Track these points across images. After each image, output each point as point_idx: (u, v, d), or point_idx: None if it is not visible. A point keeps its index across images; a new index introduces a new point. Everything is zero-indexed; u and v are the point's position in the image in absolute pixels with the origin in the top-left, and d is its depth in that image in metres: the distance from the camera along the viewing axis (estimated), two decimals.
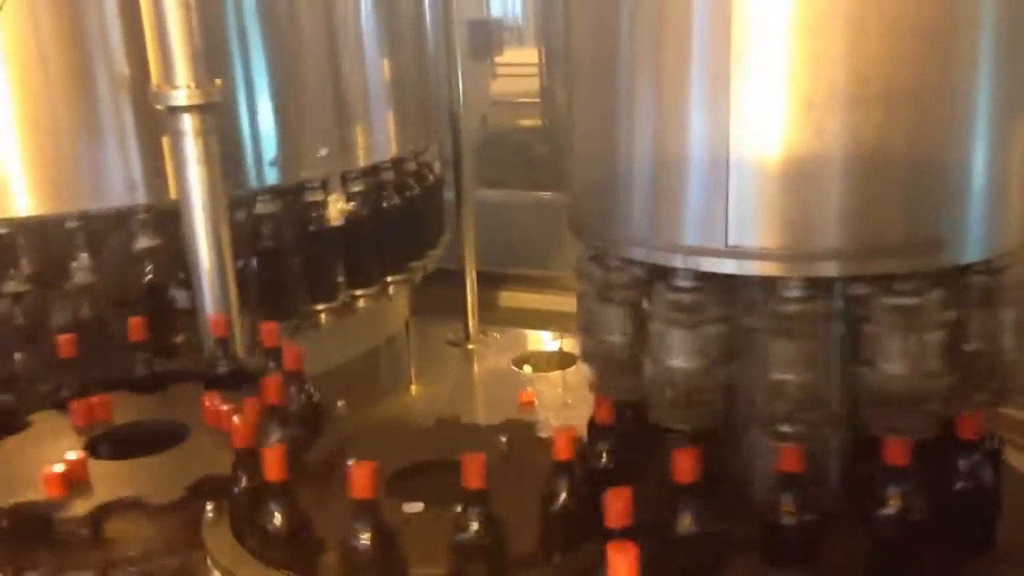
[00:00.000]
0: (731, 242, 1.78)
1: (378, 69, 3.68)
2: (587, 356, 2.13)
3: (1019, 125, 1.79)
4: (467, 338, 4.47)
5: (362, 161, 3.58)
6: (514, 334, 4.52)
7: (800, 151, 1.73)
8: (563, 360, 4.11)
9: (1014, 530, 2.02)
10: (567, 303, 4.53)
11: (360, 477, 1.81)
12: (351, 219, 3.51)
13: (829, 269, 1.76)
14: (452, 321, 4.55)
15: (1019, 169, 1.82)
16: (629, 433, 2.18)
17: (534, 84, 8.63)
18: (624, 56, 1.92)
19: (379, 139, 3.70)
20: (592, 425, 2.22)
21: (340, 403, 2.47)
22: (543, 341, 4.41)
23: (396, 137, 3.78)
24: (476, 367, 4.31)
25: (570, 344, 4.16)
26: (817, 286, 1.80)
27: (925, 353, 1.79)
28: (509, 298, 5.07)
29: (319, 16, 3.44)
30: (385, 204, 3.66)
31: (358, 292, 3.60)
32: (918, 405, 1.80)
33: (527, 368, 4.16)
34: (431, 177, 4.09)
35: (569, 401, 3.71)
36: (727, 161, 1.76)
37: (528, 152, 7.79)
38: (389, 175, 3.73)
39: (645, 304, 1.94)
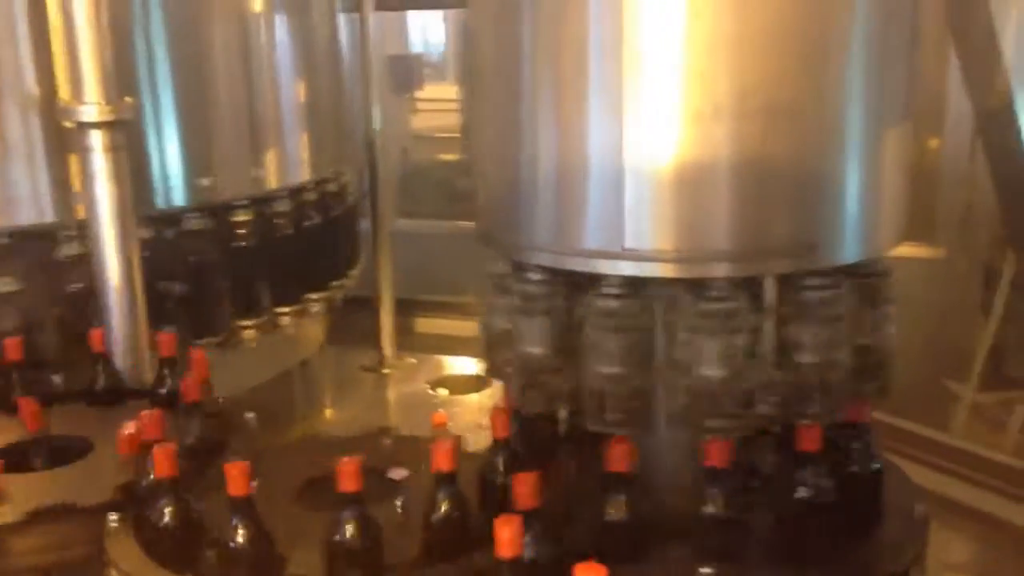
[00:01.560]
0: (628, 245, 1.87)
1: (292, 95, 3.73)
2: (499, 371, 2.17)
3: (888, 137, 1.93)
4: (382, 363, 4.49)
5: (274, 184, 3.60)
6: (430, 359, 4.56)
7: (690, 160, 1.83)
8: (479, 383, 4.15)
9: (894, 523, 2.14)
10: None
11: (236, 476, 1.84)
12: (272, 239, 3.54)
13: (719, 270, 1.86)
14: (368, 348, 4.57)
15: (888, 177, 1.95)
16: (531, 444, 2.23)
17: (455, 119, 8.76)
18: (525, 70, 2.00)
19: (292, 163, 3.73)
20: (493, 442, 2.26)
21: (249, 415, 2.48)
22: (459, 366, 4.44)
23: (310, 162, 3.82)
24: (391, 392, 4.33)
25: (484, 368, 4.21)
26: (740, 287, 1.89)
27: (830, 343, 1.91)
28: (426, 324, 5.11)
29: (232, 40, 3.48)
30: (306, 224, 3.70)
31: (281, 310, 3.62)
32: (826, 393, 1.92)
33: (442, 391, 4.19)
34: (349, 200, 4.13)
35: (484, 423, 3.74)
36: (622, 169, 1.85)
37: (449, 186, 7.87)
38: (311, 196, 3.77)
39: (576, 311, 1.99)
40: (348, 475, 1.84)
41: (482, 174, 2.18)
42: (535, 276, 2.03)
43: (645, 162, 1.84)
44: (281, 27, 3.67)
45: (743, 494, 1.99)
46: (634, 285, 1.93)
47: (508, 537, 1.65)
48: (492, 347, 2.16)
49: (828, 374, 1.94)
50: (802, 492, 2.00)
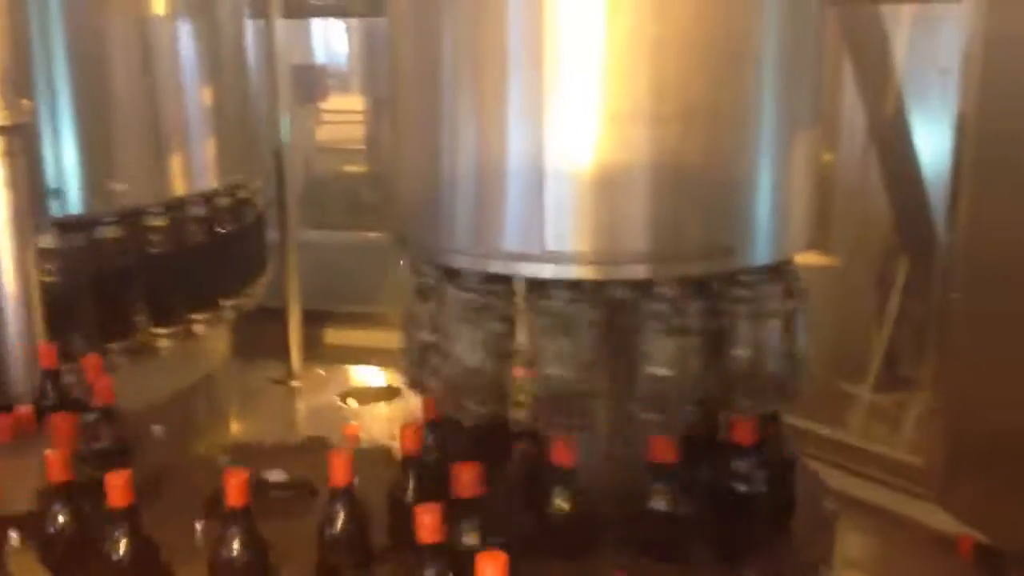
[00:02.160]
0: (549, 247, 1.88)
1: (197, 100, 3.65)
2: (419, 382, 2.15)
3: (800, 142, 1.99)
4: (291, 375, 4.41)
5: (181, 190, 3.52)
6: (339, 370, 4.50)
7: (609, 162, 1.86)
8: (389, 393, 4.12)
9: (805, 519, 2.20)
10: (391, 339, 4.57)
11: (118, 486, 1.79)
12: (185, 246, 3.45)
13: (638, 272, 1.89)
14: (275, 360, 4.49)
15: (799, 180, 2.02)
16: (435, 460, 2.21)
17: (360, 131, 8.68)
18: (445, 74, 2.01)
19: (199, 169, 3.65)
20: (402, 458, 2.21)
21: (157, 427, 2.41)
22: (368, 376, 4.40)
23: (217, 169, 3.74)
24: (300, 404, 4.26)
25: (395, 378, 4.19)
26: (689, 286, 1.93)
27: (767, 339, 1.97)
28: (334, 336, 5.04)
29: (133, 45, 3.39)
30: (217, 231, 3.62)
31: (195, 316, 3.52)
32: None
33: (352, 402, 4.14)
34: (257, 209, 4.05)
35: (395, 433, 3.72)
36: (543, 171, 1.87)
37: (354, 198, 7.79)
38: (222, 201, 3.69)
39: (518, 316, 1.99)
40: (236, 488, 1.80)
41: (400, 179, 2.17)
42: (471, 283, 2.02)
43: (565, 164, 1.86)
44: (185, 31, 3.59)
45: (678, 489, 2.01)
46: (578, 287, 1.94)
47: (430, 523, 1.64)
48: (416, 357, 2.14)
49: (760, 370, 1.98)
50: (734, 484, 2.03)
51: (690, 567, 1.97)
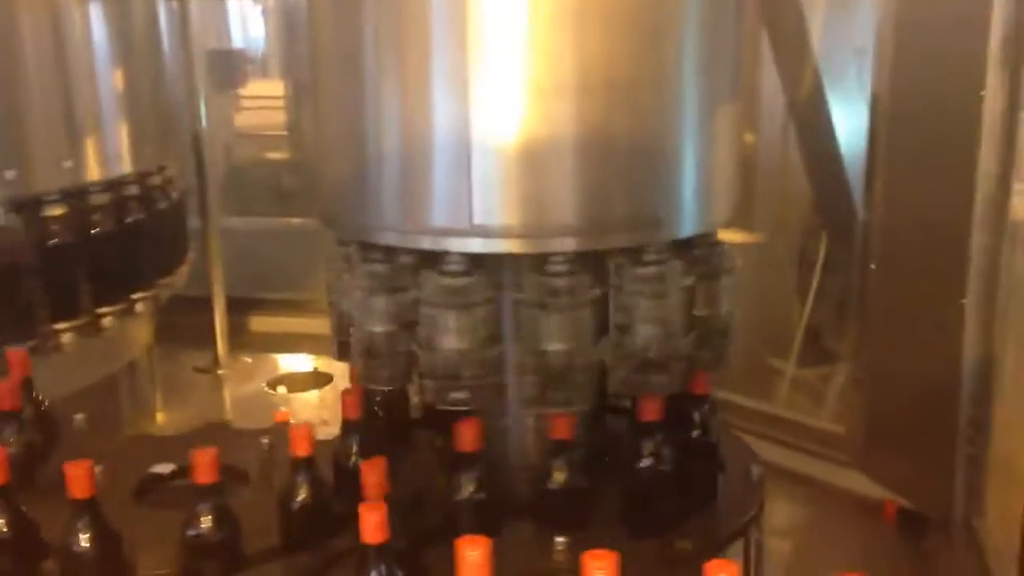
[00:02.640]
0: (476, 222, 1.87)
1: (108, 84, 3.54)
2: (346, 351, 2.14)
3: (722, 115, 2.02)
4: (217, 364, 4.33)
5: (94, 175, 3.41)
6: (266, 358, 4.44)
7: (534, 135, 1.85)
8: (318, 380, 4.08)
9: (733, 484, 2.24)
10: (319, 325, 4.52)
11: (78, 477, 1.74)
12: (91, 234, 3.34)
13: (566, 244, 1.89)
14: (200, 349, 4.41)
15: (723, 153, 2.04)
16: (382, 424, 2.22)
17: (280, 117, 8.54)
18: (368, 51, 1.98)
19: (112, 155, 3.54)
20: (343, 423, 2.24)
21: (79, 416, 2.34)
22: (296, 363, 4.35)
23: (130, 154, 3.63)
24: (227, 392, 4.19)
25: (324, 364, 4.15)
26: (578, 261, 1.92)
27: (670, 316, 1.97)
28: (260, 323, 4.97)
29: (40, 24, 3.28)
30: (128, 219, 3.51)
31: (103, 310, 3.41)
32: (667, 364, 1.97)
33: (281, 390, 4.09)
34: (174, 196, 3.96)
35: (326, 419, 3.69)
36: (469, 146, 1.86)
37: (276, 184, 7.67)
38: (132, 189, 3.58)
39: (414, 291, 1.98)
40: (204, 467, 1.77)
41: (324, 158, 2.14)
42: (377, 254, 2.00)
43: (491, 138, 1.85)
44: (96, 12, 3.48)
45: (591, 465, 2.04)
46: (475, 260, 1.94)
47: (374, 523, 1.62)
48: (340, 328, 2.13)
49: (665, 347, 2.00)
50: (646, 461, 2.06)
51: (619, 541, 1.98)
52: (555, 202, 1.89)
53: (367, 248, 2.04)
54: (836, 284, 4.26)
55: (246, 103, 8.51)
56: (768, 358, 4.43)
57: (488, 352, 1.97)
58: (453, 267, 1.94)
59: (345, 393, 2.16)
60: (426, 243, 1.92)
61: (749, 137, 4.64)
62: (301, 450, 1.95)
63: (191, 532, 1.83)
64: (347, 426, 2.18)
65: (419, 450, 2.33)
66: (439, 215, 1.91)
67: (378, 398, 2.35)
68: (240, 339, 4.63)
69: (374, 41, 1.97)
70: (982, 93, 2.79)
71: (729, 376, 3.74)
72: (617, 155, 1.89)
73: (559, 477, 2.01)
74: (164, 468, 2.25)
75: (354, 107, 1.99)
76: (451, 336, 1.94)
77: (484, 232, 1.87)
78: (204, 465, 1.79)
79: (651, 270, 1.97)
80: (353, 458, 2.13)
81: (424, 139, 1.89)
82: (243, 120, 8.52)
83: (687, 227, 2.00)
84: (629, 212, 1.92)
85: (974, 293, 2.90)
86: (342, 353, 2.17)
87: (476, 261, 1.94)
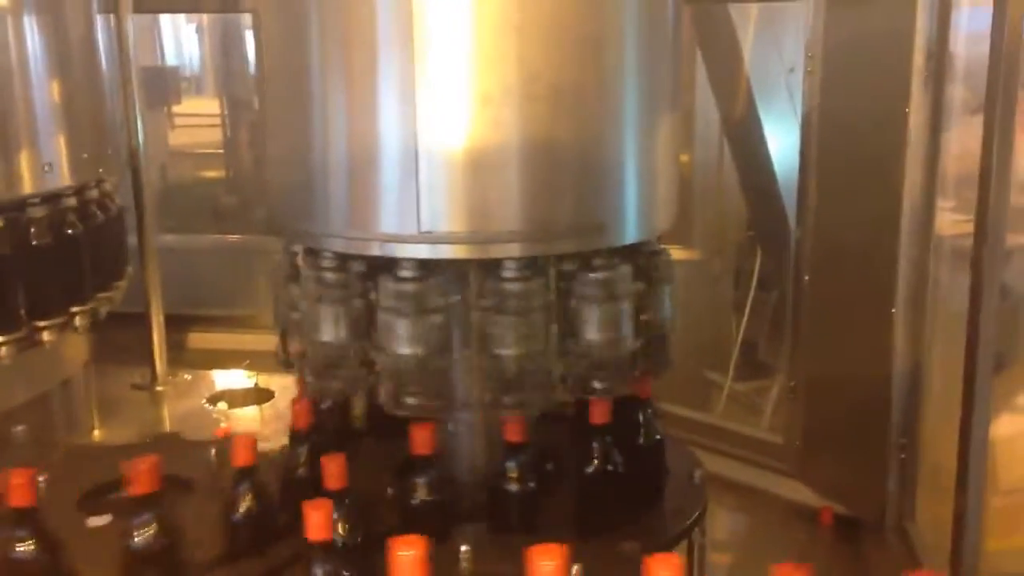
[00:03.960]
0: (424, 228, 1.89)
1: (43, 96, 3.49)
2: (293, 360, 2.14)
3: (660, 124, 2.07)
4: (155, 381, 4.27)
5: (29, 188, 3.35)
6: (205, 375, 4.38)
7: (481, 142, 1.89)
8: (259, 396, 4.04)
9: (676, 489, 2.28)
10: (258, 340, 4.49)
11: (20, 485, 1.72)
12: (28, 248, 3.28)
13: (511, 250, 1.92)
14: (137, 366, 4.34)
15: (664, 161, 2.10)
16: (328, 435, 2.22)
17: (216, 135, 8.45)
18: (315, 58, 2.00)
19: (45, 168, 3.48)
20: (292, 433, 2.24)
21: (19, 428, 2.30)
22: (236, 379, 4.30)
23: (67, 167, 3.58)
24: (167, 409, 4.13)
25: (264, 380, 4.11)
26: (531, 266, 1.96)
27: (618, 321, 2.01)
28: (199, 340, 4.91)
29: None
30: (67, 232, 3.45)
31: (41, 323, 3.34)
32: (616, 367, 2.01)
33: (222, 406, 4.04)
34: (112, 210, 3.90)
35: (267, 435, 3.65)
36: (416, 153, 1.88)
37: (213, 203, 7.59)
38: (70, 202, 3.52)
39: (372, 296, 1.99)
40: (142, 476, 1.76)
41: (272, 165, 2.15)
42: (328, 263, 2.01)
43: (438, 145, 1.88)
44: (29, 24, 3.44)
45: (539, 468, 2.06)
46: (429, 267, 1.96)
47: (319, 520, 1.62)
48: (285, 338, 2.13)
49: (615, 351, 2.04)
50: (595, 464, 2.09)
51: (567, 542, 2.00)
52: (501, 208, 1.92)
53: (316, 256, 2.05)
54: (771, 299, 4.35)
55: (180, 121, 8.42)
56: (705, 372, 4.51)
57: (442, 357, 1.98)
58: (406, 273, 1.95)
59: (295, 402, 2.16)
60: (374, 249, 1.94)
61: (684, 156, 4.75)
62: (244, 460, 1.94)
63: (131, 542, 1.81)
64: (296, 435, 2.17)
65: (366, 460, 2.33)
66: (387, 222, 1.93)
67: (325, 407, 2.35)
68: (178, 356, 4.56)
69: (321, 49, 1.99)
70: (907, 109, 2.90)
71: (667, 388, 3.82)
72: (562, 162, 1.94)
73: (513, 479, 2.03)
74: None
75: (302, 115, 2.01)
76: (405, 342, 1.95)
77: (431, 239, 1.90)
78: (143, 474, 1.77)
79: (600, 275, 2.00)
80: (300, 468, 2.12)
81: (371, 146, 1.91)
82: (178, 138, 8.43)
83: (630, 233, 2.05)
84: (574, 218, 1.96)
85: (903, 304, 3.00)
86: (289, 365, 2.16)
87: (429, 267, 1.96)
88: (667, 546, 2.16)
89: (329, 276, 2.03)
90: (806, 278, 3.35)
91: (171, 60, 9.38)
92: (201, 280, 5.14)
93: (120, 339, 4.22)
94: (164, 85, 7.57)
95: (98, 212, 3.66)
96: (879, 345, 3.04)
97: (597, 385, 2.04)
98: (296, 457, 2.15)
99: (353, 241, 1.96)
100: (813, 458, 3.35)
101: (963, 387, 2.47)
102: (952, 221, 2.98)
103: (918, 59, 2.81)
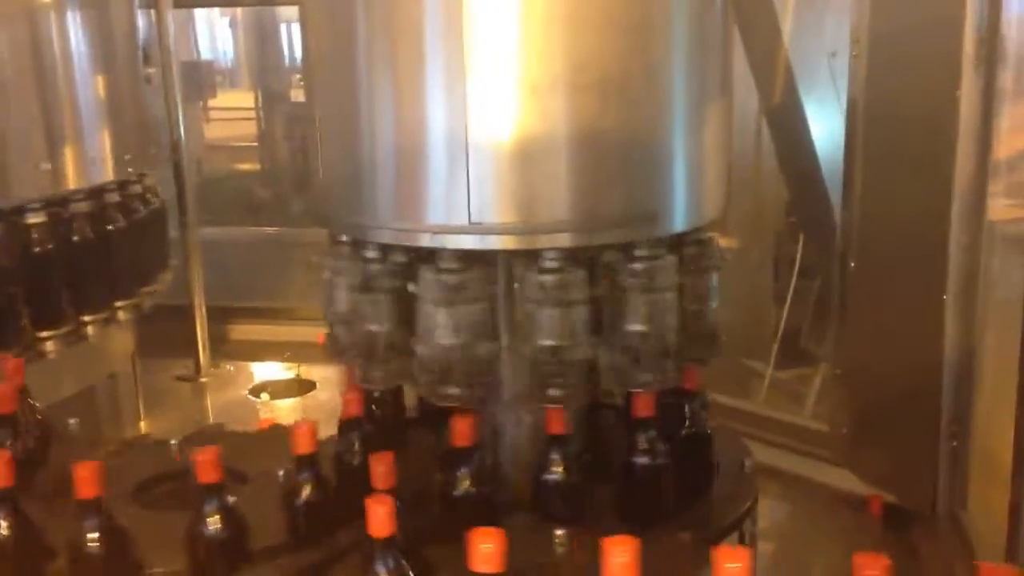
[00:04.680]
0: (473, 219, 1.88)
1: (89, 92, 3.52)
2: (342, 350, 2.14)
3: (711, 110, 2.04)
4: (199, 372, 4.31)
5: (71, 184, 3.39)
6: (247, 366, 4.42)
7: (529, 132, 1.87)
8: (301, 387, 4.07)
9: (727, 478, 2.26)
10: (298, 332, 4.51)
11: (86, 477, 1.74)
12: (73, 243, 3.31)
13: (560, 240, 1.90)
14: (181, 358, 4.38)
15: (713, 149, 2.07)
16: (379, 423, 2.22)
17: (251, 128, 8.50)
18: (362, 51, 1.99)
19: (91, 163, 3.51)
20: (343, 422, 2.24)
21: (72, 421, 2.33)
22: (278, 370, 4.33)
23: (111, 162, 3.61)
24: (210, 400, 4.16)
25: (305, 371, 4.13)
26: (572, 257, 1.94)
27: (664, 312, 1.98)
28: (240, 331, 4.95)
29: (20, 34, 3.26)
30: (110, 227, 3.48)
31: (86, 318, 3.38)
32: (660, 359, 1.98)
33: (264, 396, 4.07)
34: (155, 203, 3.93)
35: None
36: (466, 143, 1.87)
37: (248, 196, 7.65)
38: (113, 197, 3.55)
39: (411, 288, 1.98)
40: (207, 465, 1.77)
41: (320, 157, 2.14)
42: (374, 254, 2.01)
43: (487, 136, 1.87)
44: (74, 20, 3.46)
45: (586, 460, 2.05)
46: (472, 258, 1.95)
47: (381, 516, 1.61)
48: (334, 329, 2.13)
49: (659, 342, 2.01)
50: (640, 457, 2.07)
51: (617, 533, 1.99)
52: (550, 199, 1.91)
53: (361, 247, 2.04)
54: (813, 286, 4.30)
55: (215, 115, 8.49)
56: (745, 360, 4.47)
57: (482, 348, 1.97)
58: (448, 264, 1.94)
59: (347, 392, 2.17)
60: (424, 241, 1.93)
61: None
62: (304, 447, 1.94)
63: (199, 530, 1.83)
64: (347, 424, 2.18)
65: (416, 449, 2.33)
66: (436, 214, 1.93)
67: (376, 396, 2.36)
68: (220, 348, 4.61)
69: (368, 40, 1.99)
70: (957, 94, 2.84)
71: (707, 377, 3.79)
72: (611, 151, 1.92)
73: (556, 471, 2.02)
74: None
75: (349, 106, 2.00)
76: (445, 332, 1.94)
77: (481, 230, 1.89)
78: (207, 464, 1.78)
79: (644, 265, 1.98)
80: (357, 456, 2.13)
81: (420, 137, 1.90)
82: (213, 132, 8.49)
83: (680, 222, 2.02)
84: (623, 208, 1.94)
85: (954, 290, 2.94)
86: (336, 354, 2.17)
87: (471, 257, 1.95)
88: (719, 536, 2.14)
89: (372, 267, 2.03)
90: (852, 264, 3.29)
91: (206, 54, 9.48)
92: (240, 272, 5.18)
93: (164, 331, 4.27)
94: (199, 79, 7.62)
95: (141, 207, 3.69)
96: (929, 332, 2.99)
97: (641, 377, 2.01)
98: (349, 446, 2.16)
99: (402, 233, 1.96)
100: (861, 446, 3.30)
101: (1018, 373, 2.42)
102: (1005, 206, 2.92)
103: (968, 43, 2.75)
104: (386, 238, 1.99)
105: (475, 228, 1.89)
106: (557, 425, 2.04)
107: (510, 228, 1.90)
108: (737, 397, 4.01)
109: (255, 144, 8.47)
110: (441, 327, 1.96)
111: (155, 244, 3.90)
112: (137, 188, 3.75)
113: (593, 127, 1.89)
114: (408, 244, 1.97)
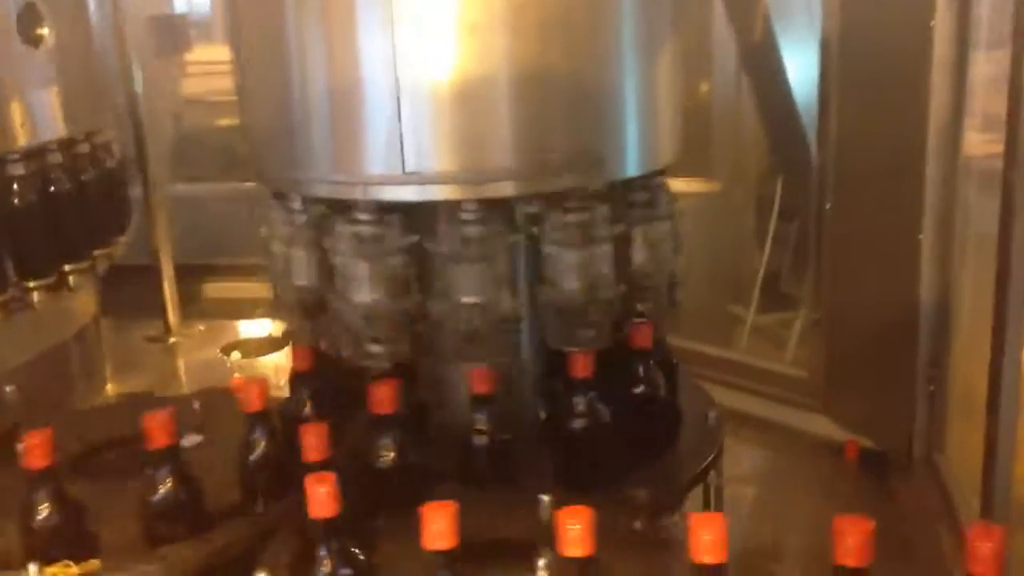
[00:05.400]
0: (409, 168, 1.79)
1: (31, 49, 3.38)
2: (279, 307, 2.07)
3: (660, 51, 1.94)
4: (169, 332, 4.24)
5: (22, 141, 3.26)
6: (220, 325, 4.35)
7: (468, 74, 1.77)
8: (273, 344, 4.00)
9: (691, 431, 2.20)
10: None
11: (36, 446, 1.67)
12: (16, 204, 3.19)
13: (505, 189, 1.81)
14: (151, 318, 4.31)
15: (665, 92, 1.96)
16: (329, 379, 2.15)
17: (228, 82, 8.32)
18: None
19: (41, 119, 3.39)
20: (293, 377, 2.18)
21: (9, 388, 2.26)
22: (251, 328, 4.26)
23: (60, 119, 3.48)
24: (181, 360, 4.10)
25: (279, 328, 4.06)
26: (492, 208, 1.84)
27: (597, 266, 1.88)
28: (213, 289, 4.87)
29: None
30: (56, 188, 3.35)
31: (32, 284, 3.26)
32: (593, 316, 1.89)
33: (236, 356, 4.01)
34: (110, 162, 3.81)
35: (282, 383, 3.61)
36: (397, 87, 1.77)
37: (229, 152, 7.51)
38: (56, 157, 3.42)
39: (327, 242, 1.90)
40: (159, 430, 1.71)
41: (251, 111, 2.05)
42: (295, 206, 1.94)
43: (422, 79, 1.76)
44: None
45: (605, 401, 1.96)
46: (391, 210, 1.87)
47: (322, 496, 1.53)
48: (274, 283, 2.06)
49: (595, 298, 1.91)
50: (577, 420, 1.97)
51: (576, 491, 1.92)
52: (493, 145, 1.81)
53: (289, 200, 1.96)
54: (793, 228, 4.23)
55: (192, 69, 8.31)
56: (728, 306, 4.41)
57: (401, 304, 1.89)
58: (365, 216, 1.86)
59: (296, 346, 2.09)
60: (359, 193, 1.84)
61: (704, 86, 4.61)
62: (255, 405, 1.87)
63: (155, 497, 1.78)
64: (298, 378, 2.11)
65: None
66: (370, 164, 1.83)
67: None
68: (195, 307, 4.54)
69: None
70: (932, 24, 2.74)
71: (689, 324, 3.73)
72: (555, 94, 1.82)
73: (481, 432, 1.93)
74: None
75: (277, 54, 1.90)
76: (364, 288, 1.86)
77: (418, 179, 1.79)
78: (161, 428, 1.72)
79: (572, 218, 1.89)
80: (304, 411, 2.08)
81: (349, 84, 1.80)
82: (191, 87, 8.32)
83: (631, 167, 1.93)
84: (571, 153, 1.84)
85: (930, 228, 2.88)
86: (276, 311, 2.10)
87: (387, 209, 1.86)
88: (683, 491, 2.08)
89: (296, 219, 1.96)
90: (828, 205, 3.22)
91: (181, 8, 9.27)
92: (216, 229, 5.09)
93: (137, 292, 4.20)
94: (174, 33, 7.43)
95: (90, 167, 3.56)
96: (906, 272, 2.93)
97: (574, 336, 1.92)
98: (299, 401, 2.08)
99: (338, 185, 1.86)
100: (838, 391, 3.26)
101: (994, 311, 2.35)
102: (981, 141, 2.84)
103: None
104: (321, 191, 1.89)
105: (411, 178, 1.79)
106: (482, 384, 1.94)
107: (450, 177, 1.80)
108: (721, 344, 3.95)
109: (234, 98, 8.30)
110: (359, 282, 1.86)
111: (110, 205, 3.78)
112: (85, 147, 3.62)
113: (536, 68, 1.79)
114: (345, 197, 1.87)
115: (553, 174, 1.83)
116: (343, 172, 1.85)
